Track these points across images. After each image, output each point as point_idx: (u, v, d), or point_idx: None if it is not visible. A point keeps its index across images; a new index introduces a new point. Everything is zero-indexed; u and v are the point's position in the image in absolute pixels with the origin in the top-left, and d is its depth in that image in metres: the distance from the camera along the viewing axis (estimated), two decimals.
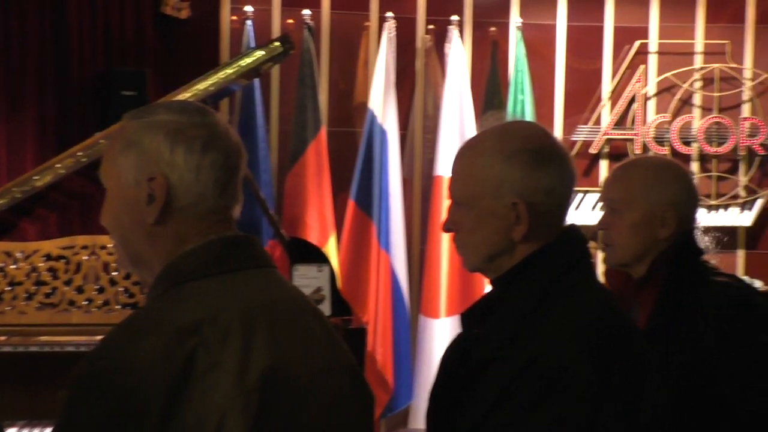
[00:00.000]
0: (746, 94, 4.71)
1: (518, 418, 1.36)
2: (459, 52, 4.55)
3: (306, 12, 4.51)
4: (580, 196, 4.53)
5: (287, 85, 4.60)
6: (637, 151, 4.64)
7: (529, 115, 4.52)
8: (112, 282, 2.77)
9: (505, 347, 1.41)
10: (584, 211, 4.53)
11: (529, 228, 1.47)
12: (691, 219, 2.01)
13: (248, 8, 4.50)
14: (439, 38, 4.66)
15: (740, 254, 4.74)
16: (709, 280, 1.93)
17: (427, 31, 4.69)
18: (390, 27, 4.55)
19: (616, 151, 4.65)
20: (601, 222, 1.99)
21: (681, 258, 1.94)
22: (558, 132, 4.66)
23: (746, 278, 4.49)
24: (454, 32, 4.56)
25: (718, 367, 1.82)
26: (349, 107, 4.73)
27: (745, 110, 4.72)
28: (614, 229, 1.97)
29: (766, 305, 1.94)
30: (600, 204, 2.00)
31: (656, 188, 1.95)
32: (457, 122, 4.48)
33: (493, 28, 4.70)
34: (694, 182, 2.03)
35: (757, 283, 4.40)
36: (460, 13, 4.67)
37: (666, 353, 1.74)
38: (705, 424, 1.81)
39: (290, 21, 4.60)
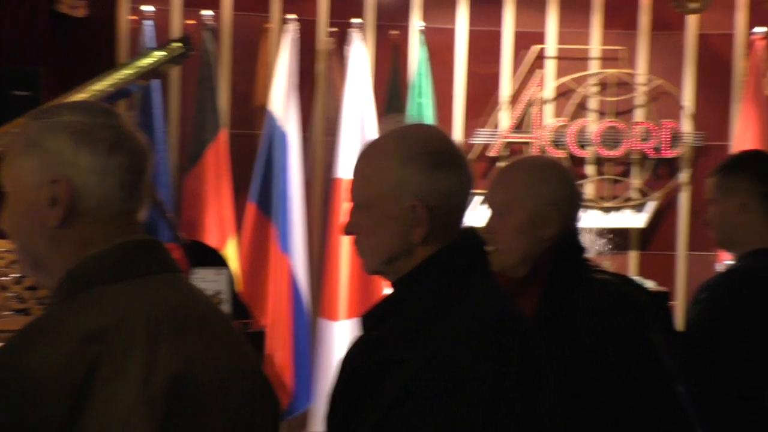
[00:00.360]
0: (639, 99, 5.11)
1: (417, 419, 1.42)
2: (360, 54, 4.81)
3: (206, 13, 4.72)
4: (478, 198, 4.86)
5: (187, 87, 4.80)
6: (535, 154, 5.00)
7: (430, 118, 4.80)
8: (3, 287, 2.85)
9: (405, 349, 1.47)
10: (482, 213, 4.85)
11: (428, 230, 1.55)
12: (574, 217, 2.09)
13: (147, 8, 4.68)
14: (341, 41, 4.92)
15: (633, 255, 5.14)
16: (590, 277, 2.03)
17: (329, 34, 4.96)
18: (291, 29, 4.77)
19: (515, 155, 4.98)
20: (486, 226, 2.07)
21: (562, 257, 2.03)
22: (457, 135, 4.98)
23: (639, 279, 4.89)
24: (355, 35, 4.81)
25: (597, 364, 1.90)
26: (250, 109, 4.97)
27: (639, 115, 5.12)
28: (499, 232, 2.05)
29: (646, 303, 2.08)
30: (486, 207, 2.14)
31: (538, 188, 2.04)
32: (358, 125, 4.74)
33: (394, 32, 4.99)
34: (575, 180, 2.14)
35: (649, 284, 4.78)
36: (362, 16, 4.94)
37: (551, 353, 1.77)
38: (585, 421, 1.90)
39: (190, 22, 4.79)
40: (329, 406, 1.58)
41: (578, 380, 1.89)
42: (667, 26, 5.10)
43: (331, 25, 4.97)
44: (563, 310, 1.96)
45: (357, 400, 1.50)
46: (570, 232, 2.07)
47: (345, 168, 4.64)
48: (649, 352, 1.98)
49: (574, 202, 2.10)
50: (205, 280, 4.33)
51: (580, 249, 2.08)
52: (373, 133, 4.63)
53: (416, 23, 4.99)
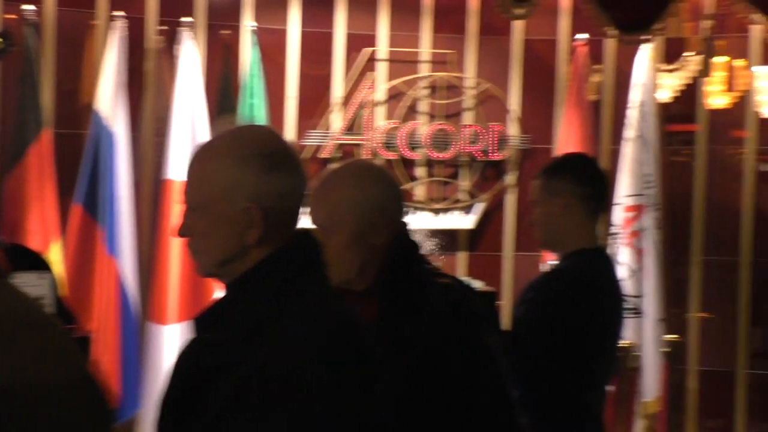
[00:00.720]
0: (468, 102, 5.53)
1: (250, 424, 1.47)
2: (191, 54, 4.98)
3: (28, 7, 4.77)
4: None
5: (8, 84, 4.84)
6: (367, 156, 5.33)
7: (262, 119, 5.03)
8: None
9: (238, 352, 1.52)
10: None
11: (262, 232, 1.60)
12: (401, 217, 2.17)
13: None
14: (171, 40, 5.07)
15: (462, 256, 5.56)
16: (431, 282, 2.13)
17: (158, 32, 5.12)
18: (119, 26, 4.88)
19: (347, 156, 5.28)
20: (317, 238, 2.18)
21: (397, 261, 2.10)
22: (290, 136, 5.25)
23: (467, 279, 5.30)
24: (185, 34, 4.98)
25: (436, 371, 2.00)
26: (76, 108, 5.07)
27: (467, 118, 5.53)
28: (331, 248, 2.04)
29: (484, 307, 2.24)
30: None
31: (360, 198, 2.10)
32: (189, 125, 4.90)
33: (225, 32, 5.21)
34: (395, 180, 2.23)
35: (477, 284, 5.17)
36: (192, 15, 5.12)
37: (390, 357, 1.85)
38: (424, 428, 1.99)
39: (11, 16, 4.83)
40: (159, 411, 1.61)
41: (417, 387, 1.97)
42: (494, 31, 5.53)
43: (161, 23, 5.12)
44: (403, 316, 2.04)
45: (188, 406, 1.53)
46: (401, 235, 2.15)
47: (176, 169, 4.80)
48: (487, 359, 2.10)
49: (399, 203, 2.18)
50: (26, 284, 4.38)
51: (415, 250, 2.16)
52: (204, 133, 4.80)
53: (248, 23, 5.23)
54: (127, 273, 4.81)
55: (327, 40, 5.41)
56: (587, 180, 2.93)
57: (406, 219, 2.20)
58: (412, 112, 5.51)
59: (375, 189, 2.14)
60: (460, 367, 2.03)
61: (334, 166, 2.34)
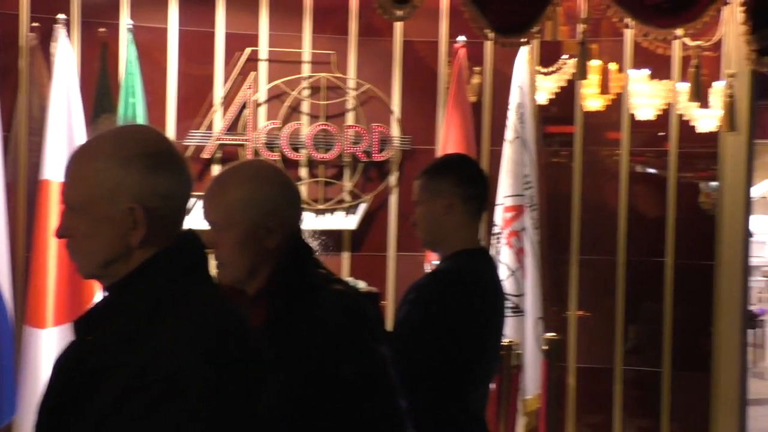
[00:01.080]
0: (350, 103, 5.81)
1: (134, 427, 1.51)
2: (66, 52, 5.06)
3: None
4: (193, 200, 5.33)
5: None
6: (249, 157, 5.54)
7: (142, 119, 5.15)
8: None
9: (121, 354, 1.56)
10: (198, 215, 5.34)
11: (146, 233, 1.65)
12: (296, 221, 2.25)
13: None
14: (46, 37, 5.15)
15: (345, 256, 5.82)
16: (323, 287, 2.19)
17: (32, 29, 5.21)
18: None
19: (229, 157, 5.48)
20: (208, 242, 2.05)
21: (292, 266, 2.18)
22: (171, 137, 5.42)
23: (351, 279, 5.56)
24: (61, 31, 5.06)
25: (329, 374, 2.07)
26: None
27: (350, 118, 5.81)
28: (222, 248, 2.17)
29: (375, 314, 2.32)
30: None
31: (254, 200, 2.18)
32: (65, 125, 4.97)
33: (102, 29, 5.36)
34: (292, 182, 2.30)
35: (361, 284, 5.42)
36: (68, 12, 5.22)
37: (281, 363, 1.93)
38: (314, 430, 2.07)
39: None
40: (38, 417, 1.64)
41: (306, 392, 2.03)
42: (375, 32, 5.82)
43: (34, 20, 5.20)
44: (294, 320, 2.10)
45: (69, 410, 1.57)
46: (295, 238, 2.23)
47: (53, 169, 4.87)
48: (377, 367, 2.16)
49: (295, 206, 2.27)
50: None
51: (309, 254, 2.24)
52: (81, 133, 4.92)
53: (125, 21, 5.37)
54: (2, 276, 4.85)
55: (207, 39, 5.61)
56: (468, 180, 3.04)
57: (301, 222, 2.29)
58: (294, 112, 5.75)
59: (271, 190, 2.22)
60: (350, 374, 2.08)
61: (229, 165, 2.46)
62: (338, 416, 2.06)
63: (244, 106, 5.62)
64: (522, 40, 5.17)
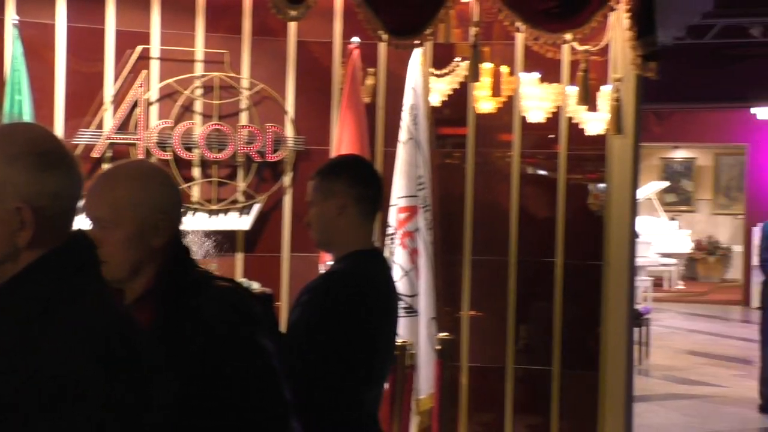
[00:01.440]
0: (244, 103, 5.80)
1: (26, 428, 1.49)
2: None
3: None
4: (83, 200, 5.24)
5: None
6: (141, 156, 5.48)
7: (28, 117, 5.08)
8: None
9: (11, 357, 1.54)
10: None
11: (34, 233, 1.63)
12: (179, 221, 2.26)
13: None
14: None
15: (239, 257, 5.82)
16: (207, 285, 2.19)
17: None
18: None
19: (119, 156, 5.41)
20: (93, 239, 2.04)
21: (175, 264, 2.19)
22: (59, 135, 5.31)
23: (244, 280, 5.54)
24: None
25: (212, 376, 2.06)
26: None
27: (243, 118, 5.80)
28: (107, 245, 2.10)
29: (260, 310, 2.27)
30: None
31: (145, 198, 2.17)
32: None
33: None
34: (176, 183, 2.35)
35: (255, 285, 5.42)
36: None
37: (169, 362, 1.89)
38: (201, 427, 2.05)
39: None
40: None
41: (192, 389, 2.01)
42: (269, 32, 5.82)
43: None
44: (181, 320, 2.09)
45: None
46: (177, 238, 2.23)
47: None
48: (262, 362, 2.15)
49: (180, 207, 2.28)
50: None
51: (190, 255, 2.25)
52: None
53: (11, 16, 5.27)
54: None
55: (97, 36, 5.54)
56: (361, 181, 3.05)
57: (183, 225, 2.29)
58: (187, 111, 5.72)
59: (161, 189, 2.22)
60: (234, 369, 2.08)
61: (115, 163, 2.43)
62: (224, 413, 2.06)
63: (135, 105, 5.57)
64: (415, 42, 5.23)
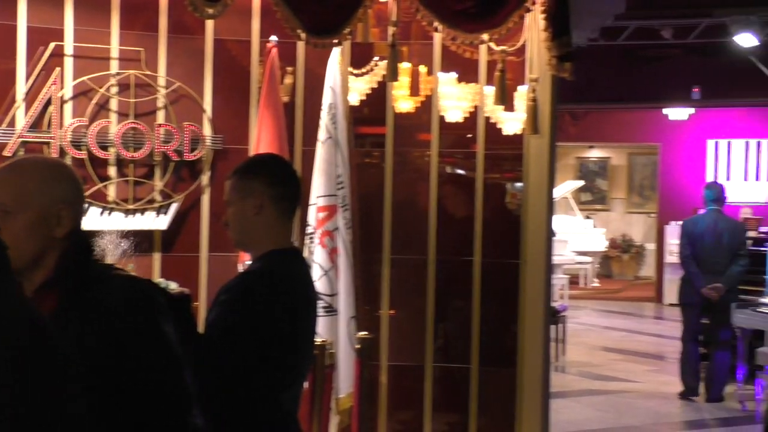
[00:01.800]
0: (161, 101, 5.74)
1: None
2: None
3: None
4: None
5: None
6: (54, 155, 5.39)
7: None
8: None
9: None
10: None
11: None
12: (81, 215, 2.28)
13: None
14: None
15: (156, 257, 5.76)
16: (109, 275, 2.21)
17: None
18: None
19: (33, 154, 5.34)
20: None
21: (77, 255, 2.20)
22: None
23: (162, 280, 5.49)
24: None
25: (115, 360, 2.06)
26: None
27: (160, 117, 5.74)
28: (8, 232, 2.08)
29: (163, 298, 2.27)
30: None
31: (50, 187, 2.19)
32: None
33: None
34: (79, 178, 2.33)
35: (173, 285, 5.38)
36: None
37: (69, 349, 1.93)
38: (103, 416, 2.05)
39: None
40: None
41: (94, 378, 2.02)
42: (186, 30, 5.77)
43: None
44: (82, 309, 2.10)
45: None
46: (80, 231, 2.25)
47: None
48: (163, 349, 2.16)
49: (82, 200, 2.31)
50: None
51: (92, 246, 2.26)
52: None
53: None
54: None
55: (9, 32, 5.44)
56: (279, 181, 3.06)
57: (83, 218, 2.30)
58: (102, 110, 5.64)
59: (65, 184, 2.24)
60: (136, 357, 2.09)
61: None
62: (125, 401, 2.07)
63: (48, 103, 5.47)
64: (334, 41, 5.22)
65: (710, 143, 16.35)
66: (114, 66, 5.66)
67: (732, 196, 15.04)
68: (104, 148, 5.58)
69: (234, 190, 3.04)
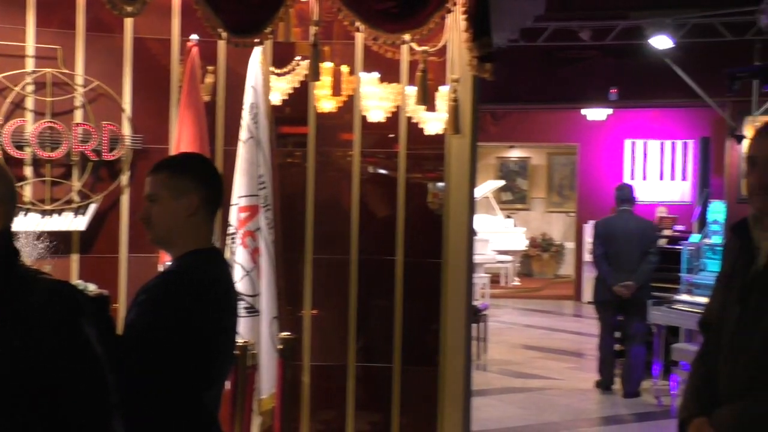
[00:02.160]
0: (78, 100, 5.65)
1: None
2: None
3: None
4: None
5: None
6: None
7: None
8: None
9: None
10: None
11: None
12: (13, 216, 2.24)
13: None
14: None
15: (75, 258, 5.67)
16: (36, 278, 2.19)
17: None
18: None
19: None
20: None
21: (9, 258, 2.17)
22: None
23: (80, 282, 5.40)
24: None
25: (34, 360, 2.05)
26: None
27: (78, 116, 5.65)
28: None
29: (82, 298, 2.26)
30: None
31: None
32: None
33: None
34: (13, 179, 2.31)
35: (92, 287, 5.29)
36: None
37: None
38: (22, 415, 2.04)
39: None
40: None
41: (14, 379, 2.02)
42: (104, 28, 5.69)
43: None
44: (9, 312, 2.08)
45: None
46: (10, 231, 2.22)
47: None
48: (82, 349, 2.14)
49: (14, 203, 2.26)
50: None
51: (16, 250, 2.23)
52: None
53: None
54: None
55: None
56: (209, 181, 3.06)
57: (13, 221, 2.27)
58: (17, 108, 5.54)
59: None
60: (59, 360, 2.08)
61: None
62: (47, 404, 2.05)
63: None
64: (255, 40, 5.19)
65: (627, 143, 16.64)
66: (30, 64, 5.57)
67: (648, 195, 15.40)
68: (20, 147, 5.48)
69: (164, 187, 2.99)
